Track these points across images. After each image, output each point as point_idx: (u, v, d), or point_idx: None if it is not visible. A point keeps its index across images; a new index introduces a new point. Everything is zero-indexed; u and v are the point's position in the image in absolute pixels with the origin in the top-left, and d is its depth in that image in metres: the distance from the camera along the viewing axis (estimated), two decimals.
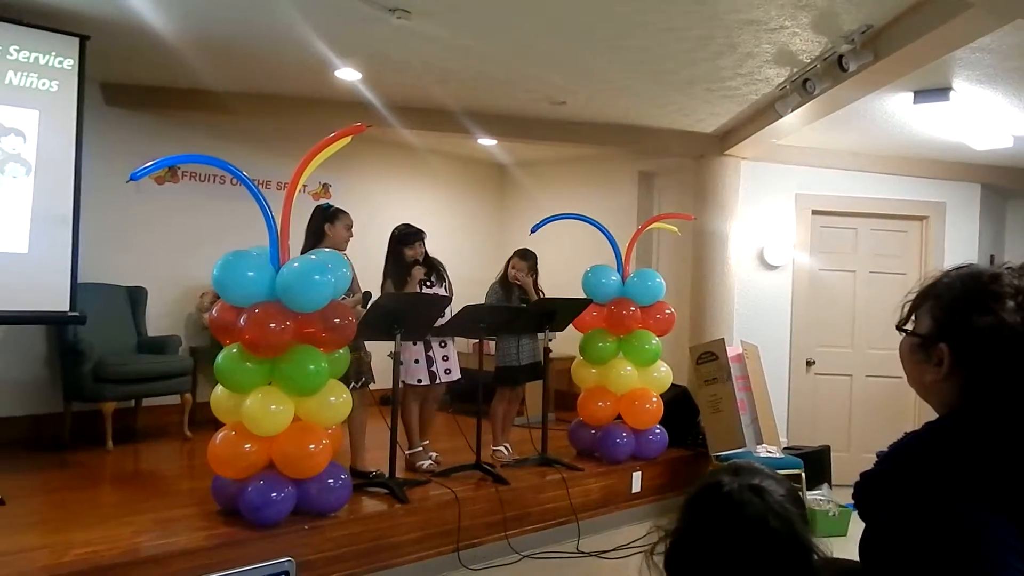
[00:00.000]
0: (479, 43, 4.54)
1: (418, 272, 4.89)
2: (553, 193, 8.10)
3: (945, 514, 1.08)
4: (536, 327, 5.37)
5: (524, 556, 4.56)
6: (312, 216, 4.69)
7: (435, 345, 5.01)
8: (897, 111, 5.15)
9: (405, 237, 4.98)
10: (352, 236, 4.70)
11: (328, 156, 3.97)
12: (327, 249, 4.20)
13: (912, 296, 1.28)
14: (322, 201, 4.83)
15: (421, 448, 5.02)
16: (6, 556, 3.29)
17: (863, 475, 1.23)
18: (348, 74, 5.19)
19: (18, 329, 5.53)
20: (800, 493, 4.92)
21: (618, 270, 5.69)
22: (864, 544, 1.19)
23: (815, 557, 1.17)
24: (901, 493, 1.14)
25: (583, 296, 5.56)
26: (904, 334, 1.27)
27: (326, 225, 4.60)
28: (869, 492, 1.21)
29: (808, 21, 3.90)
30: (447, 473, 4.79)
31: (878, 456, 1.24)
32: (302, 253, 4.19)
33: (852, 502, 1.24)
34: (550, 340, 5.41)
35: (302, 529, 3.79)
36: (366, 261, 5.02)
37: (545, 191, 8.26)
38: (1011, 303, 1.15)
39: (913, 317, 1.27)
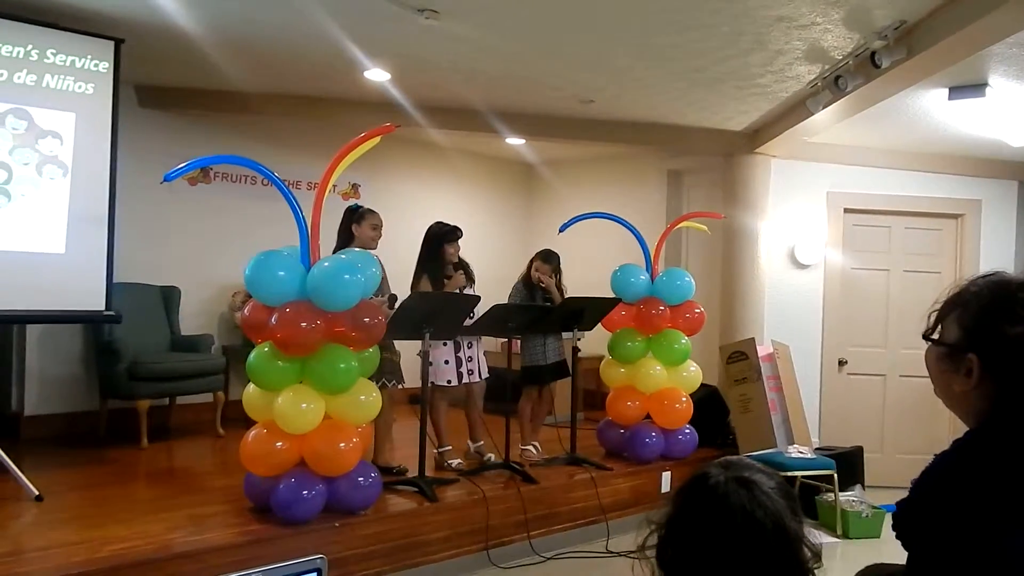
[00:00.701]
0: (507, 42, 4.54)
1: (460, 279, 4.92)
2: (581, 192, 8.08)
3: (991, 545, 1.06)
4: (564, 326, 5.36)
5: (554, 555, 4.56)
6: (342, 217, 4.76)
7: (464, 345, 5.02)
8: (931, 108, 5.07)
9: (447, 234, 5.00)
10: (380, 236, 4.75)
11: (358, 156, 3.99)
12: (356, 249, 4.24)
13: (939, 305, 1.26)
14: (352, 202, 4.87)
15: (450, 447, 5.04)
16: (44, 551, 3.36)
17: (900, 504, 1.21)
18: (377, 75, 5.22)
19: (55, 328, 5.64)
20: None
21: (647, 269, 5.67)
22: (915, 571, 1.17)
23: (805, 550, 1.15)
24: (942, 521, 1.12)
25: (612, 295, 5.54)
26: (931, 343, 1.25)
27: (352, 226, 4.68)
28: (908, 521, 1.19)
29: (840, 17, 3.85)
30: (476, 472, 4.80)
31: (912, 485, 1.21)
32: (333, 253, 4.23)
33: (893, 531, 1.21)
34: (579, 340, 5.39)
35: (332, 526, 3.81)
36: (395, 261, 5.04)
37: (573, 190, 8.24)
38: None
39: (940, 326, 1.25)
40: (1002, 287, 1.18)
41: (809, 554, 1.15)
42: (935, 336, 1.25)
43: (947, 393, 1.23)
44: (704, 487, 1.17)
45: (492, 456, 5.08)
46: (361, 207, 4.78)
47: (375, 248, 4.69)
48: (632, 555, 4.24)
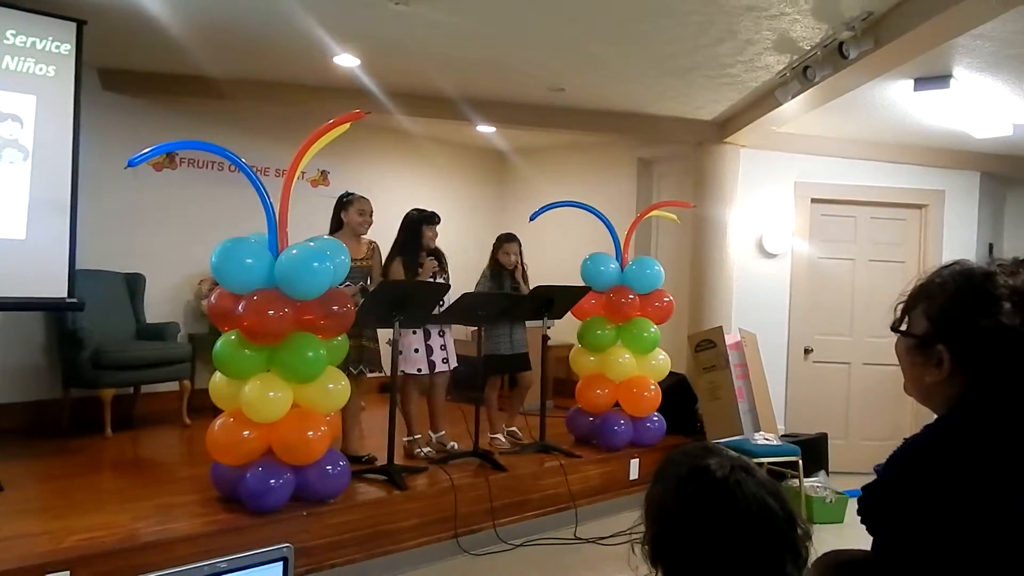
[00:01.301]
0: (478, 29, 4.51)
1: (431, 265, 4.91)
2: (552, 180, 8.08)
3: (989, 509, 1.07)
4: (534, 315, 5.36)
5: (523, 542, 4.58)
6: (334, 207, 4.83)
7: (434, 334, 5.01)
8: (897, 99, 5.13)
9: (428, 218, 5.01)
10: (369, 221, 4.78)
11: (327, 143, 3.96)
12: (327, 237, 4.22)
13: (905, 296, 1.27)
14: (344, 191, 4.91)
15: (420, 436, 5.03)
16: (6, 542, 3.30)
17: (869, 487, 1.20)
18: (347, 60, 5.17)
19: (16, 316, 5.52)
20: (795, 480, 4.89)
21: (617, 258, 5.69)
22: (884, 554, 1.17)
23: (800, 531, 1.16)
24: (920, 501, 1.12)
25: (582, 284, 5.56)
26: (899, 335, 1.26)
27: (341, 213, 4.73)
28: (880, 502, 1.19)
29: (809, 8, 3.88)
30: (445, 460, 4.80)
31: (877, 469, 1.21)
32: None
33: (859, 516, 1.21)
34: (549, 328, 5.41)
35: (301, 515, 3.80)
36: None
37: (544, 178, 8.24)
38: (1008, 304, 1.14)
39: (907, 318, 1.26)
40: (967, 277, 1.19)
41: (802, 534, 1.16)
42: (903, 328, 1.26)
43: (918, 384, 1.24)
44: (711, 480, 1.15)
45: (455, 444, 5.07)
46: (349, 194, 4.81)
47: (365, 233, 4.77)
48: (601, 542, 4.27)
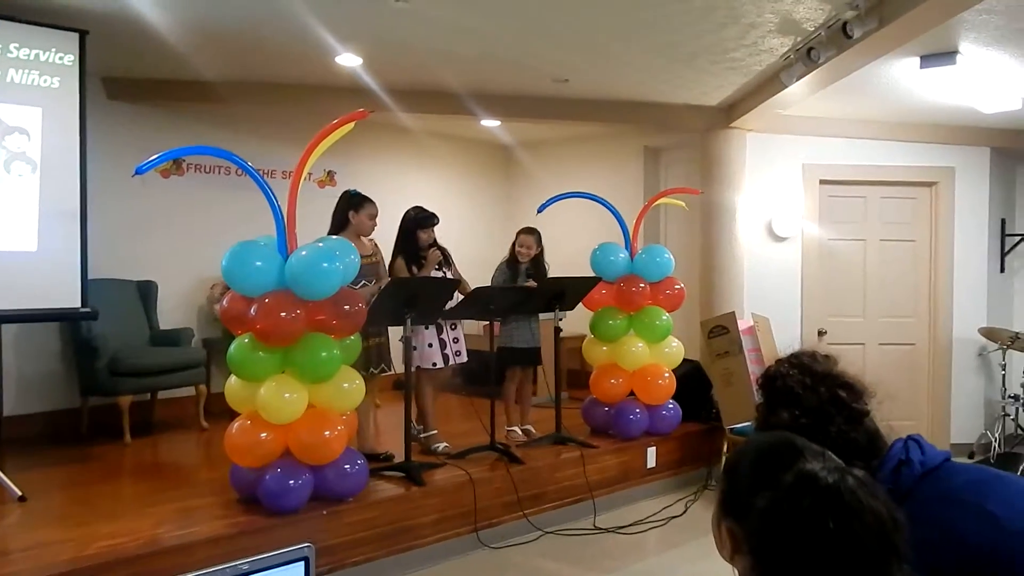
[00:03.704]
0: (480, 23, 4.50)
1: (435, 256, 4.90)
2: (559, 172, 8.06)
3: None
4: (545, 307, 5.36)
5: (542, 534, 4.59)
6: (339, 201, 4.76)
7: (446, 327, 5.02)
8: (903, 77, 5.09)
9: (423, 220, 4.98)
10: (376, 225, 4.74)
11: (332, 143, 3.96)
12: (336, 237, 4.22)
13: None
14: (351, 188, 4.86)
15: (437, 431, 5.04)
16: (31, 550, 3.33)
17: None
18: (349, 60, 5.17)
19: (32, 326, 5.56)
20: None
21: (626, 247, 5.68)
22: None
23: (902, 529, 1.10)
24: None
25: (592, 274, 5.55)
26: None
27: (350, 212, 4.67)
28: None
29: None
30: (462, 455, 4.81)
31: None
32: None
33: None
34: (560, 320, 5.41)
35: (320, 515, 3.81)
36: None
37: (551, 171, 8.22)
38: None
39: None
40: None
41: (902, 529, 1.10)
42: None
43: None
44: (821, 488, 1.08)
45: (443, 445, 4.99)
46: (358, 193, 4.75)
47: (369, 235, 4.74)
48: (621, 531, 4.27)
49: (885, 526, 1.06)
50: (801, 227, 6.56)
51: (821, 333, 6.59)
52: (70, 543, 3.41)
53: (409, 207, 5.13)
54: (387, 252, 5.02)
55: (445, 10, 4.24)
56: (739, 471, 1.20)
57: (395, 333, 4.97)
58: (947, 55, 4.57)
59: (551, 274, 5.55)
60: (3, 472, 4.08)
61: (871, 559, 1.05)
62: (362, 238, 4.72)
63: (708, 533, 1.28)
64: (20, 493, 4.01)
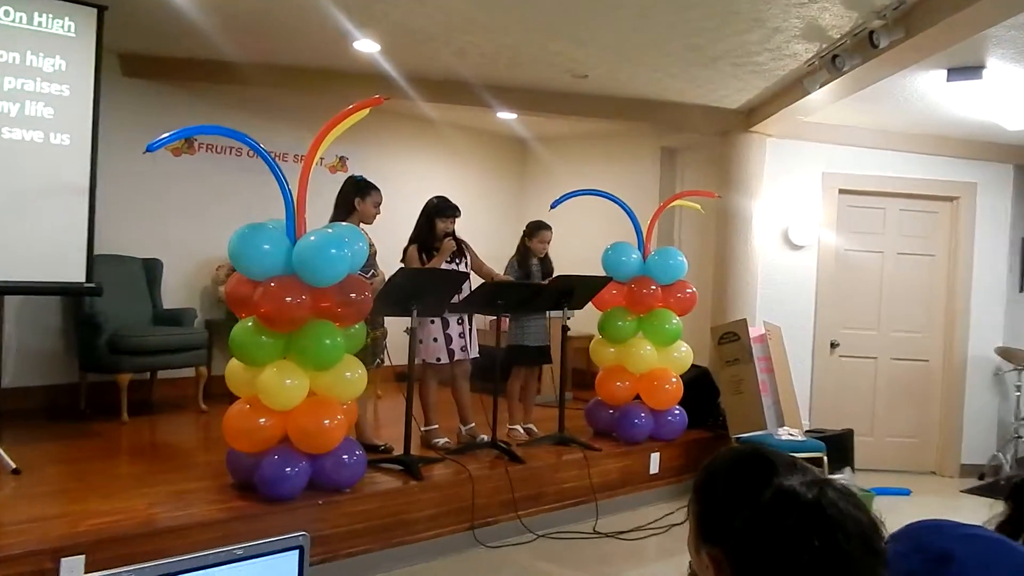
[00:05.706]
0: (500, 15, 4.44)
1: (450, 245, 4.82)
2: (574, 168, 8.00)
3: None
4: (554, 305, 5.30)
5: (540, 535, 4.53)
6: (343, 186, 4.66)
7: (453, 322, 4.94)
8: (928, 89, 5.00)
9: (444, 209, 4.90)
10: (380, 213, 4.66)
11: (346, 129, 3.92)
12: (344, 224, 4.16)
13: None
14: (356, 173, 4.78)
15: (437, 426, 4.98)
16: (23, 525, 3.29)
17: None
18: (367, 46, 5.11)
19: (34, 299, 5.54)
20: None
21: (639, 247, 5.61)
22: None
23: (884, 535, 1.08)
24: None
25: (603, 274, 5.48)
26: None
27: (356, 199, 4.58)
28: None
29: None
30: (462, 451, 4.75)
31: None
32: (330, 222, 4.15)
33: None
34: (569, 319, 5.35)
35: (316, 504, 3.77)
36: (384, 235, 4.96)
37: (566, 166, 8.16)
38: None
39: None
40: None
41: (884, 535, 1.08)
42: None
43: None
44: (802, 504, 1.04)
45: (485, 437, 5.00)
46: (364, 180, 4.65)
47: (371, 223, 4.63)
48: (621, 536, 4.20)
49: (867, 532, 1.04)
50: (818, 236, 6.47)
51: (834, 345, 6.51)
52: (63, 519, 3.38)
53: (425, 197, 5.05)
54: (396, 241, 4.95)
55: (463, 3, 4.18)
56: (713, 491, 1.14)
57: (397, 326, 4.92)
58: (974, 69, 4.50)
59: (560, 271, 5.49)
60: None
61: (856, 568, 1.03)
62: (363, 225, 4.66)
63: None
64: (14, 466, 3.98)
